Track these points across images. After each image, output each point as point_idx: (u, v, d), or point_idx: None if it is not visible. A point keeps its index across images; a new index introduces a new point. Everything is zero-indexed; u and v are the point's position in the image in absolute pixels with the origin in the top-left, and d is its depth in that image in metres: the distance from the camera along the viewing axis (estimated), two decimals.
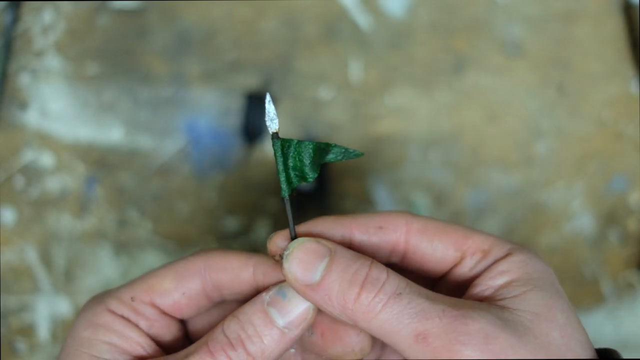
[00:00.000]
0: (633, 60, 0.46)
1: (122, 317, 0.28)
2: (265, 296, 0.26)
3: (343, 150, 0.27)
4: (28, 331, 0.49)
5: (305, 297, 0.25)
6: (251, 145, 0.47)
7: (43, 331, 0.49)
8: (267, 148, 0.47)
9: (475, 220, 0.48)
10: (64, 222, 0.48)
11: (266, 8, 0.45)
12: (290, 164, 0.27)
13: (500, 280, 0.25)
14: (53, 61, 0.46)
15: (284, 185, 0.27)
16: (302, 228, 0.27)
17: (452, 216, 0.48)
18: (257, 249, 0.48)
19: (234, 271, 0.28)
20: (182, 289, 0.29)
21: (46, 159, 0.47)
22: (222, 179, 0.47)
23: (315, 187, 0.47)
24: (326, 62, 0.46)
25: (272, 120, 0.26)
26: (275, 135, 0.26)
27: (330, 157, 0.27)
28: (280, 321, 0.26)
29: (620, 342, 0.51)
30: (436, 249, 0.27)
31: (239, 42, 0.46)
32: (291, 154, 0.27)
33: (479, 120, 0.47)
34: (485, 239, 0.27)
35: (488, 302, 0.25)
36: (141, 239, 0.48)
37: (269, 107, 0.26)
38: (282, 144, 0.27)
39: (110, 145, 0.47)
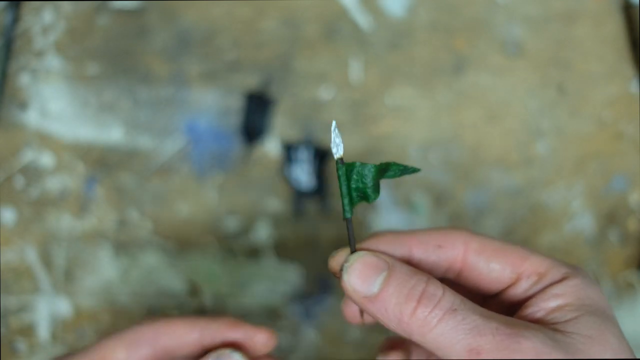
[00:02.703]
0: (633, 60, 0.46)
1: None
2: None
3: (401, 167, 0.28)
4: (28, 331, 0.49)
5: (364, 309, 0.26)
6: (251, 145, 0.47)
7: (43, 331, 0.49)
8: (267, 148, 0.47)
9: (475, 220, 0.48)
10: (64, 222, 0.48)
11: (266, 8, 0.45)
12: (353, 186, 0.27)
13: (553, 303, 0.26)
14: (53, 61, 0.46)
15: (347, 207, 0.27)
16: (363, 245, 0.28)
17: (452, 216, 0.48)
18: (257, 249, 0.48)
19: (181, 337, 0.33)
20: (134, 357, 0.32)
21: (46, 159, 0.47)
22: (222, 179, 0.47)
23: (315, 187, 0.47)
24: (326, 62, 0.46)
25: (338, 147, 0.27)
26: (340, 161, 0.27)
27: (389, 174, 0.28)
28: None
29: None
30: (493, 269, 0.27)
31: (239, 42, 0.46)
32: (354, 177, 0.27)
33: (479, 120, 0.47)
34: (542, 262, 0.27)
35: (540, 324, 0.25)
36: (141, 239, 0.48)
37: (334, 134, 0.27)
38: (346, 168, 0.27)
39: (110, 145, 0.47)
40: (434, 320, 0.24)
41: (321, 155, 0.47)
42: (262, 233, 0.48)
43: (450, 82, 0.46)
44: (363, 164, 0.27)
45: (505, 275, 0.27)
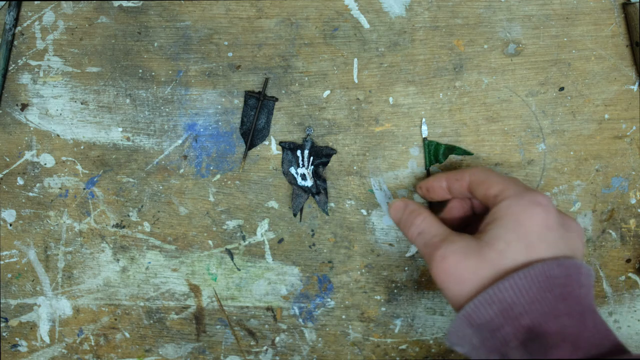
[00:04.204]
0: (633, 60, 0.46)
1: None
2: None
3: (463, 150, 0.47)
4: (28, 331, 0.49)
5: (396, 225, 0.44)
6: (251, 145, 0.47)
7: (43, 331, 0.49)
8: (267, 148, 0.47)
9: None
10: (64, 222, 0.48)
11: (266, 7, 0.45)
12: (431, 153, 0.47)
13: (487, 219, 0.39)
14: (53, 61, 0.46)
15: (427, 164, 0.47)
16: (422, 182, 0.45)
17: None
18: (257, 249, 0.48)
19: None
20: None
21: (46, 159, 0.47)
22: (221, 179, 0.47)
23: (315, 187, 0.47)
24: (326, 62, 0.46)
25: (424, 131, 0.47)
26: (425, 139, 0.47)
27: (457, 152, 0.47)
28: None
29: None
30: (478, 193, 0.40)
31: (239, 42, 0.46)
32: (432, 149, 0.47)
33: (479, 120, 0.47)
34: (497, 187, 0.39)
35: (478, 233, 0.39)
36: (140, 239, 0.48)
37: (424, 127, 0.47)
38: (428, 143, 0.47)
39: (110, 145, 0.47)
40: (414, 236, 0.41)
41: (321, 155, 0.47)
42: (262, 233, 0.48)
43: (451, 82, 0.46)
44: (439, 143, 0.47)
45: (481, 197, 0.40)
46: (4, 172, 0.47)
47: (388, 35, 0.46)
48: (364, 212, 0.48)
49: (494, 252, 0.36)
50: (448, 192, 0.43)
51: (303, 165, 0.46)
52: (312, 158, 0.47)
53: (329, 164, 0.47)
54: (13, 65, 0.46)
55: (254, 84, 0.46)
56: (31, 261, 0.49)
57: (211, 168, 0.47)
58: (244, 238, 0.48)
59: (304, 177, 0.47)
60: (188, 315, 0.50)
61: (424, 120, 0.46)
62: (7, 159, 0.47)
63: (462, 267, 0.37)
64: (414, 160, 0.47)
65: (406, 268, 0.49)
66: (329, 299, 0.49)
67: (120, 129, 0.47)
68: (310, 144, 0.46)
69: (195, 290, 0.49)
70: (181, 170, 0.47)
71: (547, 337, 0.33)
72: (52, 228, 0.48)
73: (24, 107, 0.46)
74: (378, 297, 0.49)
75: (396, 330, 0.50)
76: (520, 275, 0.35)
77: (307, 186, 0.47)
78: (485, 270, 0.36)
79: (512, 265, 0.36)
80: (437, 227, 0.40)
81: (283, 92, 0.46)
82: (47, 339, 0.50)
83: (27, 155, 0.47)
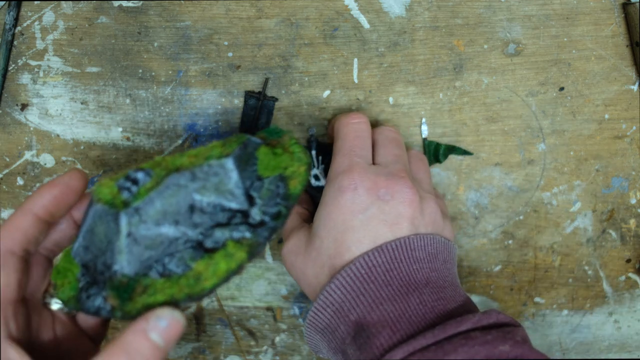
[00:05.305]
0: (633, 60, 0.46)
1: None
2: (146, 325, 0.29)
3: (463, 150, 0.47)
4: None
5: None
6: None
7: None
8: None
9: (475, 220, 0.48)
10: None
11: (266, 7, 0.45)
12: (431, 152, 0.47)
13: None
14: (53, 61, 0.46)
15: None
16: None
17: (452, 216, 0.48)
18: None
19: (24, 233, 0.32)
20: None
21: (46, 159, 0.47)
22: None
23: (315, 187, 0.47)
24: (326, 62, 0.46)
25: (424, 131, 0.47)
26: (425, 139, 0.47)
27: (456, 152, 0.47)
28: (162, 343, 0.29)
29: (621, 342, 0.51)
30: None
31: (239, 41, 0.46)
32: (432, 149, 0.47)
33: (479, 120, 0.47)
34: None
35: None
36: None
37: (424, 127, 0.47)
38: (428, 143, 0.47)
39: (110, 145, 0.47)
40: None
41: (328, 152, 0.46)
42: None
43: (451, 82, 0.46)
44: (439, 143, 0.47)
45: None
46: (4, 172, 0.47)
47: (388, 35, 0.46)
48: None
49: (314, 250, 0.36)
50: None
51: (314, 166, 0.46)
52: (320, 157, 0.46)
53: (329, 164, 0.47)
54: (13, 65, 0.46)
55: (254, 84, 0.46)
56: None
57: None
58: None
59: (317, 177, 0.46)
60: (188, 315, 0.50)
61: (424, 120, 0.46)
62: (7, 159, 0.47)
63: (296, 266, 0.37)
64: None
65: None
66: None
67: (120, 129, 0.47)
68: (315, 143, 0.46)
69: None
70: None
71: (370, 327, 0.33)
72: None
73: (24, 107, 0.46)
74: None
75: None
76: (343, 274, 0.34)
77: (321, 186, 0.46)
78: (310, 270, 0.36)
79: (328, 263, 0.35)
80: (287, 223, 0.40)
81: (283, 92, 0.46)
82: None
83: (27, 155, 0.47)
